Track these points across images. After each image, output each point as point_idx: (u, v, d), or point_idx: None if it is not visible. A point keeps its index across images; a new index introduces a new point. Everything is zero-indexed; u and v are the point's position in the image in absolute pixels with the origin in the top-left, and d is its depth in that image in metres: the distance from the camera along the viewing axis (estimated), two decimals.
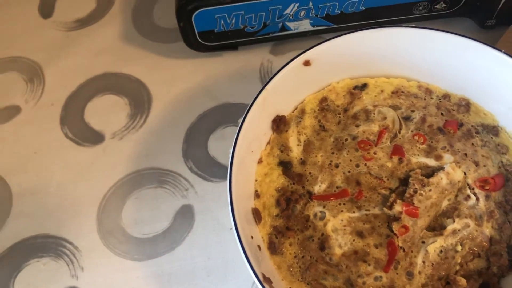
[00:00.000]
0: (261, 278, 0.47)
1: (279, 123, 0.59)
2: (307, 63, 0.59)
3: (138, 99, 0.79)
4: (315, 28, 0.75)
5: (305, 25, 0.75)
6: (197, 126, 0.75)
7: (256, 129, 0.58)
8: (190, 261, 0.65)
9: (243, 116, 0.55)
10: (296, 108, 0.62)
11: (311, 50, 0.58)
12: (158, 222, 0.68)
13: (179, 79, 0.80)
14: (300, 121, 0.61)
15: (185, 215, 0.68)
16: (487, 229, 0.55)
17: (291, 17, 0.72)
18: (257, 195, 0.56)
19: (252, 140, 0.57)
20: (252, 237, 0.53)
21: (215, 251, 0.66)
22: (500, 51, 0.57)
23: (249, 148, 0.57)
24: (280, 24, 0.74)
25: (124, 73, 0.82)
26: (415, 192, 0.57)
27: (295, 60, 0.58)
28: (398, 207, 0.56)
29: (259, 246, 0.53)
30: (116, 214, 0.69)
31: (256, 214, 0.55)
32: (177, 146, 0.74)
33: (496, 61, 0.58)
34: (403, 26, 0.60)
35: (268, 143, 0.59)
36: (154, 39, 0.85)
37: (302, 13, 0.72)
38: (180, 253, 0.66)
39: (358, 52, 0.62)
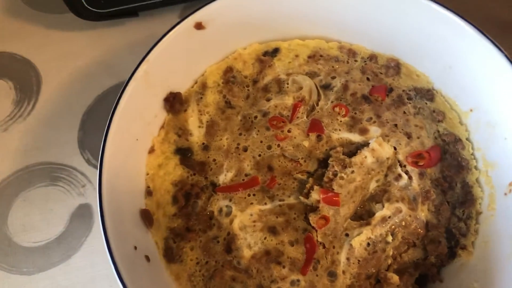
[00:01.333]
0: None
1: (174, 102, 0.52)
2: (199, 26, 0.50)
3: (25, 81, 0.68)
4: None
5: None
6: (95, 109, 0.65)
7: (139, 111, 0.49)
8: (89, 270, 0.57)
9: (117, 97, 0.44)
10: (196, 83, 0.55)
11: (201, 10, 0.49)
12: (51, 227, 0.59)
13: (74, 55, 0.69)
14: (201, 97, 0.54)
15: (83, 216, 0.59)
16: (423, 213, 0.49)
17: None
18: (148, 192, 0.50)
19: (135, 125, 0.48)
20: (135, 248, 0.43)
21: None
22: (437, 3, 0.48)
23: (131, 136, 0.48)
24: None
25: (8, 52, 0.70)
26: (335, 175, 0.49)
27: (182, 23, 0.48)
28: (315, 195, 0.48)
29: (147, 257, 0.45)
30: (0, 221, 0.59)
31: (146, 217, 0.48)
32: (72, 135, 0.64)
33: (432, 14, 0.50)
34: None
35: (162, 127, 0.52)
36: (44, 9, 0.73)
37: None
38: (77, 262, 0.57)
39: (265, 11, 0.53)
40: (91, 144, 0.64)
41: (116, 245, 0.41)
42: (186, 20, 0.48)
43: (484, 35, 0.47)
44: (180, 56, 0.51)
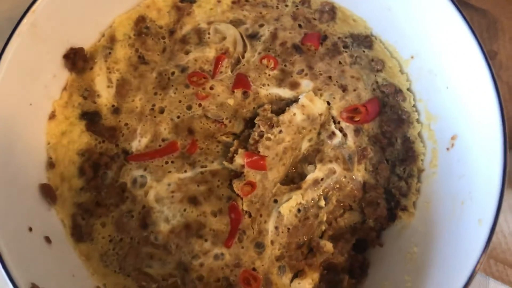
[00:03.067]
0: None
1: (76, 59, 0.46)
2: None
3: None
4: None
5: None
6: None
7: (29, 71, 0.42)
8: None
9: None
10: (103, 36, 0.48)
11: None
12: None
13: None
14: (110, 52, 0.48)
15: None
16: (359, 173, 0.46)
17: None
18: (50, 164, 0.44)
19: (27, 88, 0.42)
20: (30, 229, 0.38)
21: None
22: None
23: (23, 100, 0.42)
24: None
25: None
26: (261, 136, 0.44)
27: None
28: (239, 159, 0.43)
29: (47, 238, 0.41)
30: None
31: (48, 193, 0.43)
32: None
33: None
34: None
35: (64, 89, 0.46)
36: None
37: None
38: None
39: None
40: None
41: (3, 230, 0.36)
42: None
43: None
44: (80, 4, 0.44)
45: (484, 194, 0.37)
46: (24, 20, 0.40)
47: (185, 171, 0.44)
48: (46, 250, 0.40)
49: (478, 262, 0.35)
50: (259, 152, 0.43)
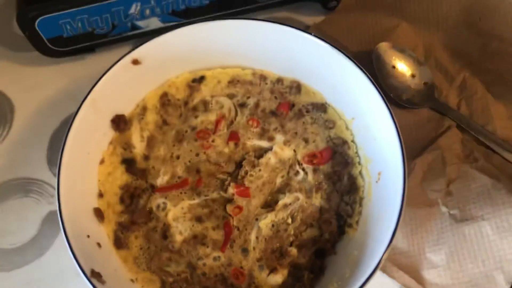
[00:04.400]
0: (88, 273, 0.49)
1: (119, 122, 0.59)
2: (136, 62, 0.61)
3: (0, 111, 0.78)
4: (166, 24, 0.76)
5: (154, 23, 0.75)
6: (61, 131, 0.74)
7: (90, 131, 0.56)
8: (58, 264, 0.66)
9: (71, 120, 0.56)
10: (137, 106, 0.61)
11: (136, 50, 0.60)
12: (25, 231, 0.68)
13: (42, 87, 0.79)
14: (143, 118, 0.61)
15: (52, 220, 0.68)
16: (317, 200, 0.57)
17: (137, 16, 0.73)
18: (100, 195, 0.56)
19: (87, 142, 0.56)
20: (88, 236, 0.55)
21: None
22: (311, 34, 0.61)
23: (84, 151, 0.58)
24: (130, 24, 0.74)
25: None
26: (246, 173, 0.60)
27: (120, 62, 0.59)
28: (231, 189, 0.57)
29: (98, 244, 0.53)
30: None
31: (98, 214, 0.55)
32: (42, 154, 0.73)
33: (311, 44, 0.61)
34: (228, 18, 0.62)
35: (111, 142, 0.59)
36: (14, 49, 0.84)
37: (148, 12, 0.73)
38: (48, 259, 0.66)
39: (191, 46, 0.63)
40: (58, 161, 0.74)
41: (72, 232, 0.51)
42: (124, 58, 0.58)
43: (348, 57, 0.58)
44: (122, 86, 0.58)
45: (391, 212, 0.52)
46: (88, 97, 0.57)
47: (194, 199, 0.57)
48: (97, 251, 0.54)
49: (381, 257, 0.49)
50: (245, 184, 0.56)
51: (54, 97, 0.79)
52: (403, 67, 0.73)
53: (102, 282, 0.50)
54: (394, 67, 0.72)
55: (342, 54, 0.59)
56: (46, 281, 0.65)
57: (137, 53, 0.60)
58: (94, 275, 0.50)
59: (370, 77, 0.57)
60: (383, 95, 0.56)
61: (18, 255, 0.67)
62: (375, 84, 0.57)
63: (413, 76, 0.72)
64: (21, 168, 0.73)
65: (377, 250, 0.50)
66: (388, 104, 0.56)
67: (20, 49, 0.84)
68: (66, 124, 0.70)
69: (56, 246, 0.67)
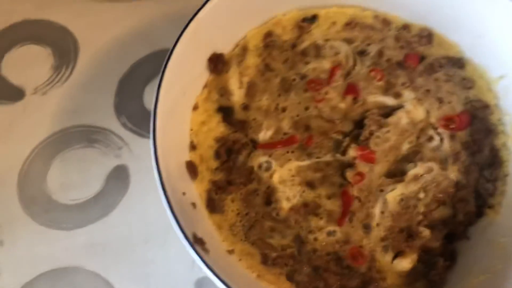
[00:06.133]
0: (191, 239, 0.40)
1: (217, 63, 0.53)
2: None
3: (63, 48, 0.70)
4: None
5: None
6: (131, 76, 0.67)
7: (188, 68, 0.50)
8: (125, 227, 0.59)
9: (169, 50, 0.47)
10: (237, 46, 0.55)
11: None
12: (88, 186, 0.61)
13: (110, 24, 0.71)
14: (242, 60, 0.55)
15: (119, 176, 0.61)
16: (453, 173, 0.50)
17: None
18: (192, 147, 0.51)
19: (183, 81, 0.50)
20: (184, 193, 0.47)
21: (153, 216, 0.59)
22: None
23: (180, 91, 0.50)
24: None
25: (46, 19, 0.72)
26: (371, 134, 0.51)
27: None
28: (352, 152, 0.51)
29: (193, 204, 0.47)
30: (40, 180, 0.61)
31: (191, 168, 0.50)
32: (108, 100, 0.66)
33: None
34: None
35: (205, 86, 0.53)
36: None
37: None
38: (114, 220, 0.59)
39: None
40: (127, 109, 0.65)
41: (169, 190, 0.43)
42: None
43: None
44: (225, 18, 0.52)
45: None
46: (190, 25, 0.49)
47: (303, 160, 0.51)
48: (193, 212, 0.47)
49: None
50: (370, 147, 0.51)
51: (123, 38, 0.71)
52: None
53: (206, 250, 0.42)
54: None
55: None
56: (111, 245, 0.58)
57: None
58: (197, 241, 0.42)
59: None
60: None
61: (80, 213, 0.60)
62: None
63: None
64: (85, 114, 0.66)
65: None
66: None
67: None
68: (136, 70, 0.67)
69: (123, 206, 0.60)
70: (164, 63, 0.47)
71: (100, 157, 0.63)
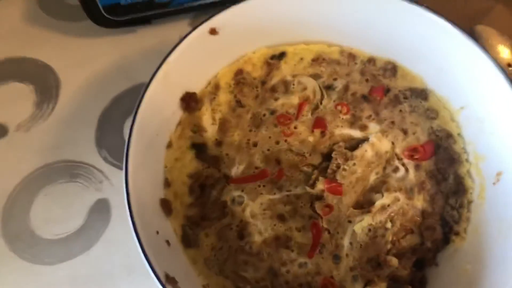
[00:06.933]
0: (162, 279, 0.41)
1: (190, 101, 0.54)
2: (213, 31, 0.53)
3: (45, 85, 0.71)
4: None
5: None
6: (111, 110, 0.68)
7: (160, 108, 0.50)
8: (108, 260, 0.59)
9: (140, 95, 0.49)
10: (209, 83, 0.56)
11: (215, 17, 0.52)
12: (71, 220, 0.62)
13: (90, 60, 0.73)
14: (215, 97, 0.56)
15: (101, 210, 0.62)
16: (419, 202, 0.52)
17: None
18: (167, 184, 0.51)
19: (156, 121, 0.51)
20: (158, 232, 0.47)
21: (135, 248, 0.58)
22: (421, 5, 0.52)
23: (153, 131, 0.51)
24: None
25: (28, 57, 0.74)
26: (338, 167, 0.53)
27: (198, 28, 0.52)
28: (320, 185, 0.51)
29: (167, 242, 0.47)
30: (23, 215, 0.62)
31: (166, 206, 0.50)
32: (90, 135, 0.67)
33: (420, 18, 0.53)
34: None
35: (179, 124, 0.54)
36: (61, 18, 0.77)
37: None
38: (96, 253, 0.60)
39: (272, 18, 0.56)
40: (108, 143, 0.66)
41: (141, 229, 0.44)
42: (202, 26, 0.51)
43: (468, 36, 0.50)
44: (196, 59, 0.52)
45: None
46: (161, 68, 0.50)
47: (274, 194, 0.51)
48: (167, 250, 0.48)
49: None
50: (337, 180, 0.52)
51: (104, 72, 0.73)
52: (504, 53, 0.64)
53: None
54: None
55: (460, 32, 0.50)
56: (94, 278, 0.59)
57: (215, 21, 0.53)
58: (169, 281, 0.43)
59: (496, 62, 0.48)
60: None
61: (63, 247, 0.61)
62: (504, 70, 0.48)
63: (509, 65, 0.63)
64: (67, 149, 0.67)
65: (506, 271, 0.43)
66: None
67: (68, 18, 0.78)
68: (117, 103, 0.68)
69: (105, 239, 0.61)
70: (136, 107, 0.48)
71: (82, 191, 0.64)
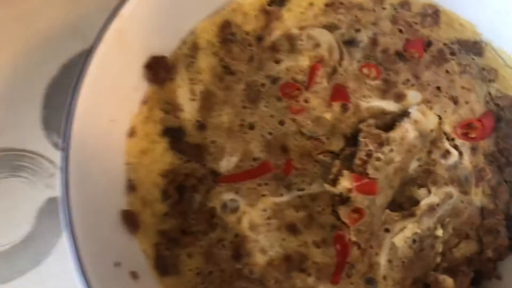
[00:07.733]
0: None
1: (158, 69, 0.44)
2: None
3: None
4: None
5: None
6: (61, 81, 0.59)
7: (113, 83, 0.41)
8: (65, 277, 0.51)
9: (80, 66, 0.38)
10: (184, 43, 0.47)
11: None
12: (15, 227, 0.54)
13: (30, 16, 0.62)
14: (193, 62, 0.46)
15: (53, 212, 0.54)
16: (477, 197, 0.45)
17: None
18: (130, 187, 0.43)
19: (109, 101, 0.41)
20: (117, 264, 0.38)
21: None
22: None
23: (105, 116, 0.40)
24: None
25: None
26: (369, 156, 0.42)
27: None
28: (345, 182, 0.42)
29: (133, 273, 0.39)
30: None
31: (129, 220, 0.42)
32: (34, 114, 0.58)
33: None
34: None
35: (144, 102, 0.45)
36: None
37: None
38: (50, 268, 0.52)
39: None
40: (58, 125, 0.56)
41: (91, 266, 0.34)
42: None
43: None
44: (163, 9, 0.42)
45: None
46: (111, 26, 0.38)
47: (281, 195, 0.43)
48: (134, 285, 0.38)
49: None
50: (368, 174, 0.42)
51: (49, 32, 0.62)
52: None
53: None
54: None
55: None
56: None
57: None
58: None
59: None
60: None
61: (6, 263, 0.53)
62: None
63: None
64: (6, 135, 0.57)
65: None
66: None
67: None
68: (68, 72, 0.59)
69: (60, 250, 0.53)
70: (74, 83, 0.37)
71: (28, 188, 0.55)
